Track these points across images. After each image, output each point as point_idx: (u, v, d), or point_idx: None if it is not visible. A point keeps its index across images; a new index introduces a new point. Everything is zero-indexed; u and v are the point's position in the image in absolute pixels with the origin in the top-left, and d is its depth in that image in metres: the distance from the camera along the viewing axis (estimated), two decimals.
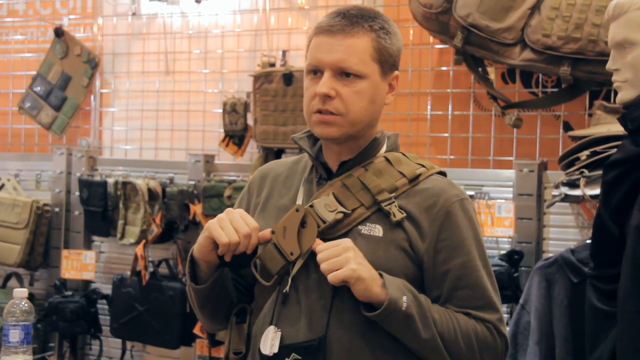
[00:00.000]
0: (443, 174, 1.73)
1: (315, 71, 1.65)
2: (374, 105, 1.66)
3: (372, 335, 1.60)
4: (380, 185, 1.64)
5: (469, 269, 1.61)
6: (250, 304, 1.77)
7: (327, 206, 1.63)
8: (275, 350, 1.60)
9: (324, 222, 1.61)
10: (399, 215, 1.60)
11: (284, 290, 1.64)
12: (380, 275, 1.55)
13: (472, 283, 1.61)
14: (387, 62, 1.67)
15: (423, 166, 1.70)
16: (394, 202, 1.62)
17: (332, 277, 1.53)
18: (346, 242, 1.57)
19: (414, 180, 1.66)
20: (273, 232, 1.63)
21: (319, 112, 1.63)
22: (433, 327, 1.55)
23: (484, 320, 1.60)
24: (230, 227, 1.59)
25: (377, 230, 1.61)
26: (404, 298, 1.53)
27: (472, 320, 1.60)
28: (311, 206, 1.63)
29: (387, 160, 1.69)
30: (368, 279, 1.53)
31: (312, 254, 1.61)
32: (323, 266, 1.54)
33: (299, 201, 1.69)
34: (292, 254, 1.61)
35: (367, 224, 1.62)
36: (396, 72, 1.71)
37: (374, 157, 1.69)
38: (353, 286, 1.53)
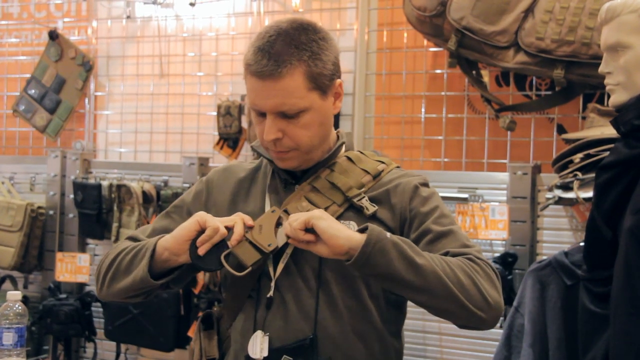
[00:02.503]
0: (399, 168, 1.79)
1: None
2: (323, 126, 1.68)
3: (363, 328, 1.63)
4: (348, 182, 1.68)
5: (441, 224, 1.63)
6: (215, 310, 1.78)
7: (300, 209, 1.65)
8: (266, 354, 1.61)
9: None
10: (371, 209, 1.65)
11: (269, 295, 1.64)
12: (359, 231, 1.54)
13: (446, 231, 1.62)
14: (325, 83, 1.64)
15: (383, 162, 1.75)
16: (364, 196, 1.67)
17: (295, 223, 1.51)
18: (315, 210, 1.58)
19: (377, 176, 1.72)
20: (247, 231, 1.61)
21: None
22: (425, 255, 1.52)
23: (464, 253, 1.58)
24: (218, 221, 1.60)
25: (352, 226, 1.62)
26: (387, 234, 1.51)
27: (454, 258, 1.56)
28: (286, 211, 1.65)
29: (349, 159, 1.73)
30: (342, 235, 1.50)
31: (292, 256, 1.63)
32: (289, 222, 1.54)
33: (268, 208, 1.70)
34: (269, 245, 1.60)
35: (342, 221, 1.63)
36: (338, 81, 1.69)
37: (336, 157, 1.73)
38: (318, 227, 1.50)
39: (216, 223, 1.58)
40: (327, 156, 1.72)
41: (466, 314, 1.52)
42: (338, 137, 1.77)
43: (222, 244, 1.60)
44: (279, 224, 1.62)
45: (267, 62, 1.57)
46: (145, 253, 1.64)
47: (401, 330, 1.74)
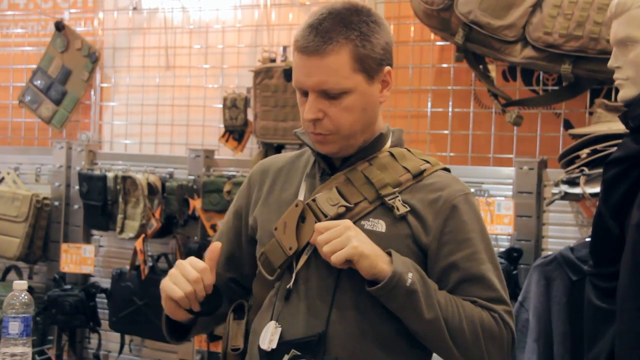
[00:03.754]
0: (447, 170, 1.72)
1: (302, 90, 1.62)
2: (366, 112, 1.62)
3: (373, 332, 1.59)
4: (384, 179, 1.62)
5: (476, 261, 1.58)
6: (248, 300, 1.77)
7: (329, 200, 1.62)
8: (274, 345, 1.59)
9: (326, 215, 1.60)
10: (402, 210, 1.59)
11: (288, 287, 1.63)
12: (389, 253, 1.53)
13: (478, 275, 1.58)
14: (372, 67, 1.60)
15: (427, 162, 1.69)
16: (397, 196, 1.61)
17: (335, 258, 1.50)
18: (345, 222, 1.54)
19: (418, 176, 1.65)
20: (275, 229, 1.63)
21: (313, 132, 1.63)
22: (437, 309, 1.51)
23: (491, 309, 1.57)
24: (181, 278, 1.56)
25: (380, 225, 1.59)
26: (409, 275, 1.50)
27: (478, 308, 1.56)
28: (314, 200, 1.63)
29: (392, 155, 1.67)
30: (372, 255, 1.50)
31: (315, 251, 1.60)
32: (324, 249, 1.51)
33: (301, 195, 1.67)
34: (290, 248, 1.61)
35: (370, 218, 1.60)
36: (387, 68, 1.63)
37: (379, 151, 1.68)
38: (357, 264, 1.50)
39: (177, 292, 1.56)
40: (367, 146, 1.66)
41: None
42: (383, 129, 1.71)
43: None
44: (302, 217, 1.61)
45: (314, 38, 1.55)
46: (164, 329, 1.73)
47: None
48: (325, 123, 1.59)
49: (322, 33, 1.55)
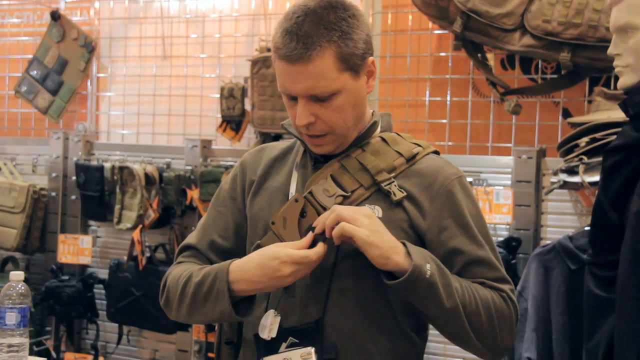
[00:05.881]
0: (437, 153, 1.73)
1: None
2: (357, 107, 1.62)
3: (370, 319, 1.60)
4: (378, 165, 1.63)
5: (477, 244, 1.61)
6: None
7: (325, 191, 1.61)
8: (274, 334, 1.60)
9: (325, 208, 1.60)
10: (399, 195, 1.59)
11: None
12: (404, 244, 1.53)
13: (482, 257, 1.61)
14: (357, 63, 1.58)
15: (419, 145, 1.69)
16: (393, 181, 1.61)
17: (335, 231, 1.50)
18: (364, 209, 1.55)
19: (411, 159, 1.66)
20: (273, 223, 1.62)
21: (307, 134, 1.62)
22: (456, 296, 1.53)
23: (499, 289, 1.60)
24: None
25: (376, 210, 1.59)
26: (428, 266, 1.50)
27: (488, 290, 1.59)
28: (311, 193, 1.62)
29: (384, 140, 1.68)
30: (383, 247, 1.50)
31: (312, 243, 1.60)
32: (331, 217, 1.51)
33: (293, 185, 1.68)
34: None
35: (367, 204, 1.60)
36: (370, 59, 1.63)
37: (370, 137, 1.68)
38: (367, 252, 1.50)
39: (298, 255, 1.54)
40: (365, 130, 1.67)
41: (474, 350, 1.61)
42: (373, 116, 1.71)
43: None
44: (303, 212, 1.60)
45: (296, 45, 1.52)
46: (220, 288, 1.59)
47: (424, 326, 1.69)
48: (318, 125, 1.59)
49: (304, 39, 1.52)
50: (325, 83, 1.55)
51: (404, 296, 1.54)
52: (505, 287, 1.61)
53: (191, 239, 1.80)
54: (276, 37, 1.56)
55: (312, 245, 1.55)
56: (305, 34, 1.52)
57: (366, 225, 1.50)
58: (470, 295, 1.55)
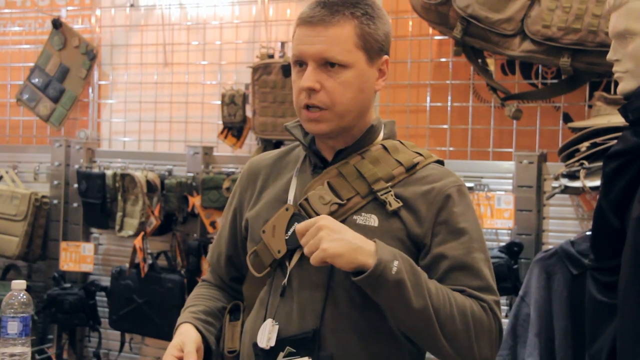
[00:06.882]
0: (440, 162, 1.71)
1: (301, 63, 1.62)
2: (362, 94, 1.62)
3: (367, 327, 1.59)
4: (376, 174, 1.62)
5: (466, 250, 1.57)
6: (244, 301, 1.77)
7: (321, 199, 1.61)
8: (272, 343, 1.59)
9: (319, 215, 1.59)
10: (395, 205, 1.58)
11: (283, 283, 1.63)
12: (375, 242, 1.50)
13: (469, 264, 1.56)
14: (373, 48, 1.61)
15: (420, 155, 1.68)
16: (390, 191, 1.60)
17: (312, 261, 1.48)
18: (321, 219, 1.50)
19: (411, 169, 1.64)
20: (263, 232, 1.64)
21: (307, 107, 1.60)
22: (427, 298, 1.47)
23: (480, 299, 1.54)
24: None
25: (372, 220, 1.59)
26: (395, 263, 1.46)
27: (468, 298, 1.53)
28: (306, 200, 1.62)
29: (384, 148, 1.67)
30: (346, 252, 1.46)
31: None
32: (304, 251, 1.50)
33: (292, 192, 1.67)
34: (279, 252, 1.62)
35: (362, 213, 1.60)
36: (385, 57, 1.65)
37: (371, 144, 1.67)
38: (335, 264, 1.47)
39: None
40: (360, 136, 1.66)
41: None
42: (376, 120, 1.70)
43: None
44: (293, 220, 1.61)
45: (321, 9, 1.59)
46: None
47: None
48: (320, 95, 1.59)
49: (329, 6, 1.60)
50: (339, 50, 1.57)
51: (372, 294, 1.49)
52: (489, 297, 1.55)
53: (209, 252, 1.91)
54: (303, 10, 1.63)
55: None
56: (332, 3, 1.60)
57: (323, 237, 1.47)
58: (445, 298, 1.50)
